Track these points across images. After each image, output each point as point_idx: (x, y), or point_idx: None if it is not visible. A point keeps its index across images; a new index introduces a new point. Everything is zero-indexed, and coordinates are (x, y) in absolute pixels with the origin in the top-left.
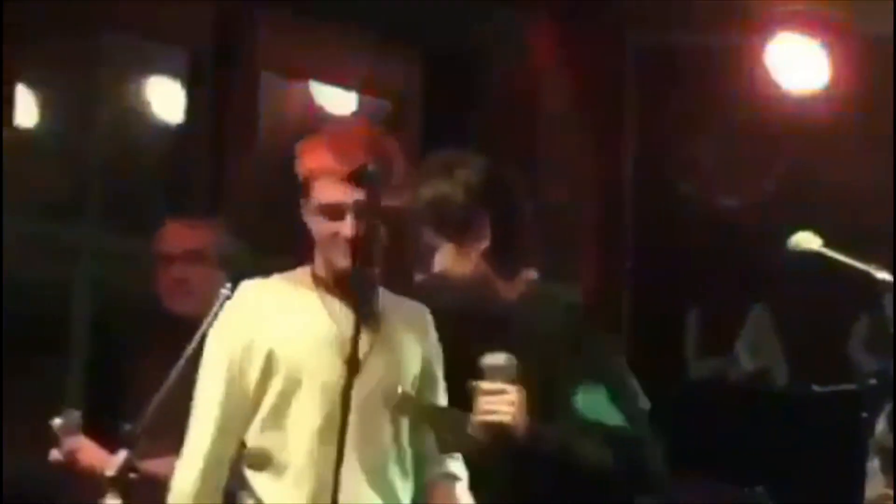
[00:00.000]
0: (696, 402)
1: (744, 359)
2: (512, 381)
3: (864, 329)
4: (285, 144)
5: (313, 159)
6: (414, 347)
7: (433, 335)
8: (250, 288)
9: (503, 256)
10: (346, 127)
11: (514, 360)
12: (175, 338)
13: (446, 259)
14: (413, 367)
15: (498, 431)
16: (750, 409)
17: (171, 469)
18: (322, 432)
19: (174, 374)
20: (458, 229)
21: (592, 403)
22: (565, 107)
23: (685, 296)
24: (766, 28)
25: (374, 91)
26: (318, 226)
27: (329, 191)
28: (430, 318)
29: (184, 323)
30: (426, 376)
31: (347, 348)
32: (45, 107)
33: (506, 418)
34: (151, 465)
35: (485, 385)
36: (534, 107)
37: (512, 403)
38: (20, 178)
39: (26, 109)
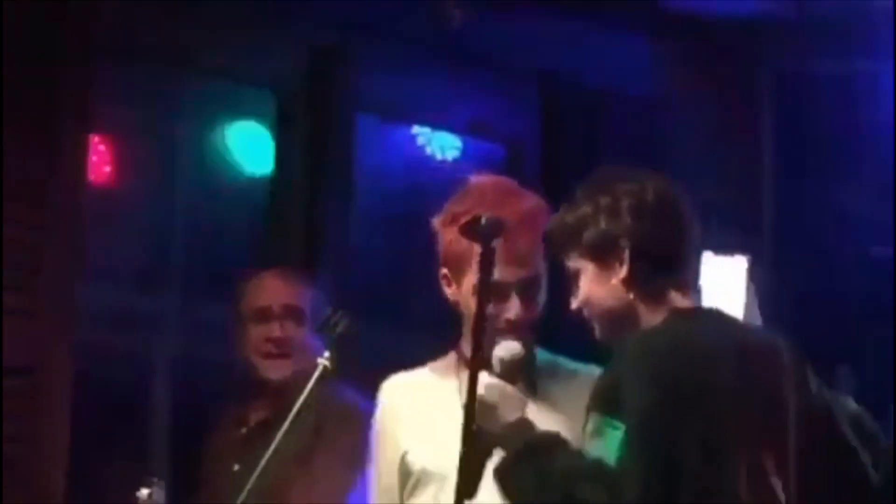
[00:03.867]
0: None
1: None
2: (510, 376)
3: None
4: (384, 193)
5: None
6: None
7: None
8: (395, 389)
9: (642, 285)
10: (503, 187)
11: (516, 353)
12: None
13: (588, 283)
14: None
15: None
16: None
17: None
18: None
19: (268, 454)
20: (596, 253)
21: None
22: (698, 147)
23: (834, 355)
24: None
25: (486, 134)
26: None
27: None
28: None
29: (279, 392)
30: None
31: None
32: (122, 160)
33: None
34: None
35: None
36: (663, 146)
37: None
38: (94, 242)
39: (102, 164)
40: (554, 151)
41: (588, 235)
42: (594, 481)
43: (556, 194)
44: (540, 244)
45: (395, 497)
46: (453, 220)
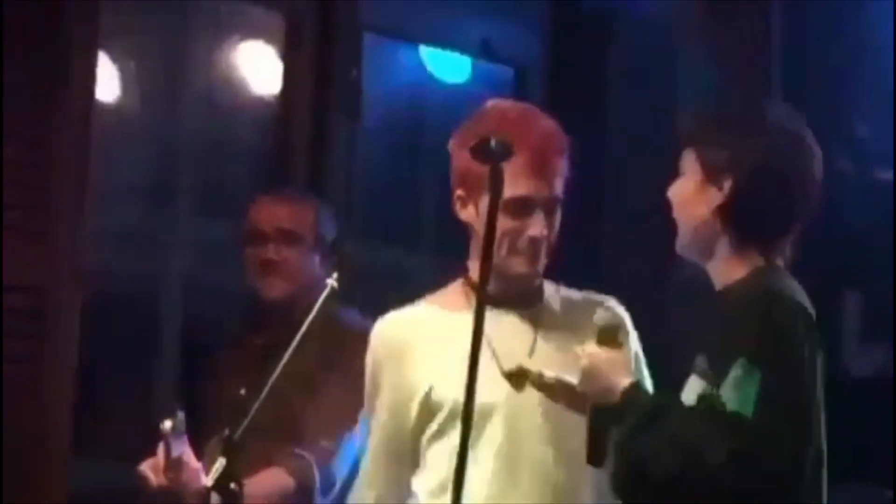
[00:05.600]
0: (856, 399)
1: None
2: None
3: None
4: (391, 115)
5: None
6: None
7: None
8: (397, 326)
9: (732, 230)
10: (521, 107)
11: (612, 320)
12: (270, 332)
13: (689, 185)
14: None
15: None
16: None
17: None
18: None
19: (274, 375)
20: (707, 168)
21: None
22: (706, 72)
23: (842, 278)
24: None
25: (494, 56)
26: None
27: (515, 183)
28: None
29: (279, 315)
30: None
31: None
32: (129, 79)
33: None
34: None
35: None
36: (671, 68)
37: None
38: (102, 161)
39: (108, 83)
40: (562, 73)
41: (711, 152)
42: (720, 432)
43: (564, 116)
44: (562, 166)
45: (403, 442)
46: (473, 140)
